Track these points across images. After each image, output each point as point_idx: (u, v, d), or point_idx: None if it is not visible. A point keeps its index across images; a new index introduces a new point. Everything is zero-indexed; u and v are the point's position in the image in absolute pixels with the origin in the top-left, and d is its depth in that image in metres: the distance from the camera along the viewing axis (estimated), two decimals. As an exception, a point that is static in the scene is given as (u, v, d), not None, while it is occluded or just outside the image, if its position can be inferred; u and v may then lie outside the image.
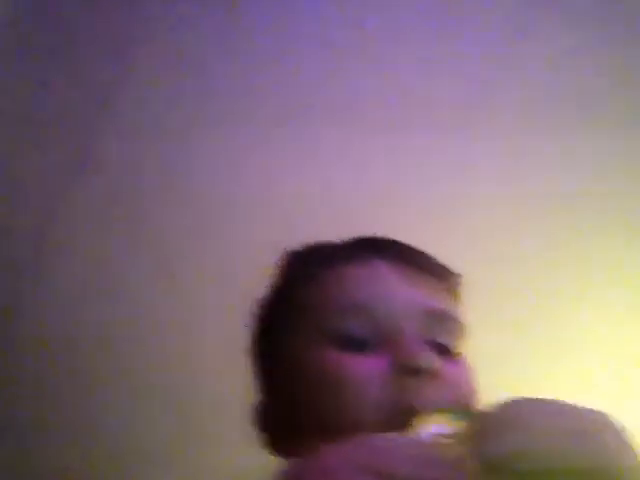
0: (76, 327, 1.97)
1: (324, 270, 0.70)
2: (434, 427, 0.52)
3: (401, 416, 0.56)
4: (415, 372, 0.60)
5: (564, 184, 1.88)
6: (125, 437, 2.05)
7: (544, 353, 1.91)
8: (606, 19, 1.71)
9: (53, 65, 1.77)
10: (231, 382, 2.00)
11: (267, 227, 1.86)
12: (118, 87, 1.81)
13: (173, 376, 2.01)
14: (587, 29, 1.73)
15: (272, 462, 0.77)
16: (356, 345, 0.63)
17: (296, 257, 0.79)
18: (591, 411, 0.50)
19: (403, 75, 1.76)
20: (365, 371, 0.61)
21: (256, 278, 0.83)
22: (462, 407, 0.59)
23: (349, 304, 0.65)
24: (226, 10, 1.75)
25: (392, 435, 0.52)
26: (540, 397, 0.51)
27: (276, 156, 1.85)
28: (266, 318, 0.81)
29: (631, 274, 1.93)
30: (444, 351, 0.65)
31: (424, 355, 0.61)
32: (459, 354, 0.67)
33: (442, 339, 0.65)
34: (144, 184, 1.90)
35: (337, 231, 0.84)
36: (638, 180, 1.85)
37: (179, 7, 1.71)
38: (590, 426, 0.48)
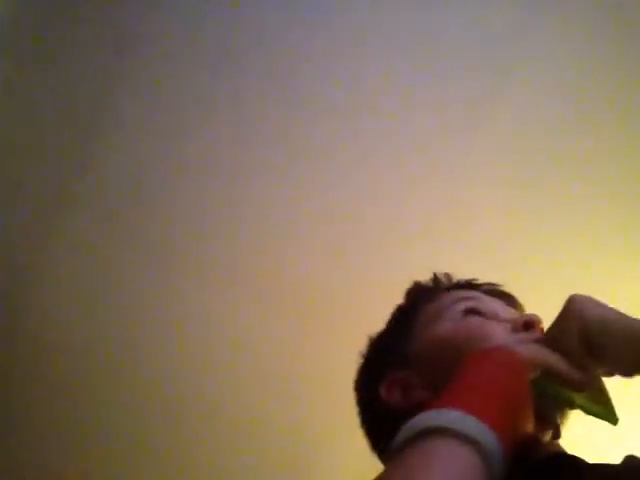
0: (76, 327, 1.97)
1: (452, 290, 1.01)
2: None
3: None
4: (531, 324, 0.92)
5: (565, 184, 1.88)
6: (125, 436, 2.05)
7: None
8: (606, 20, 1.71)
9: (53, 65, 1.77)
10: (232, 381, 2.02)
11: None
12: (118, 86, 1.81)
13: (174, 376, 2.01)
14: (588, 29, 1.74)
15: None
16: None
17: (420, 285, 1.07)
18: None
19: (402, 82, 1.77)
20: (500, 328, 0.92)
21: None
22: None
23: (476, 300, 0.97)
24: (227, 10, 1.76)
25: None
26: None
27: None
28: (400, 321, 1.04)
29: (632, 277, 1.94)
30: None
31: (533, 316, 0.94)
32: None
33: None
34: (145, 183, 1.90)
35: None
36: (638, 182, 1.85)
37: (180, 8, 1.72)
38: None
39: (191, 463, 2.05)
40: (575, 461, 0.84)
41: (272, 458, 2.02)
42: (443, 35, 1.77)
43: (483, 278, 1.06)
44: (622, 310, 0.81)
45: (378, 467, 0.96)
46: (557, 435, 0.88)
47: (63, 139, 1.84)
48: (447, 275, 1.05)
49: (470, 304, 0.94)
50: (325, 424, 1.96)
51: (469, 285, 1.02)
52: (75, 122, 1.82)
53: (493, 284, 1.03)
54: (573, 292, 1.89)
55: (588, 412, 0.82)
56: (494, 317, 0.93)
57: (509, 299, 1.01)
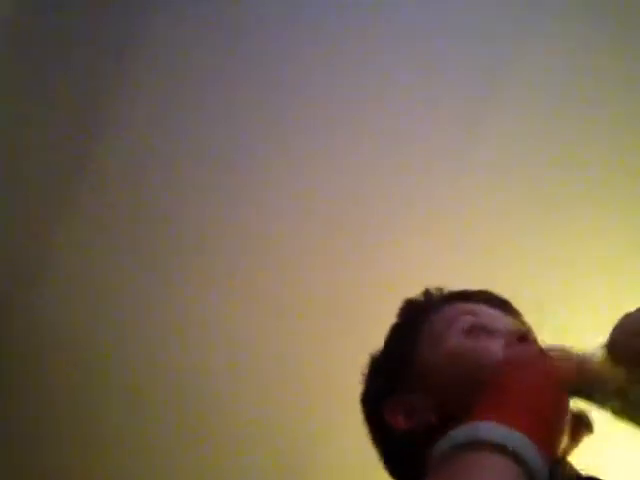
0: (76, 327, 1.98)
1: (447, 304, 0.99)
2: None
3: None
4: (525, 337, 0.94)
5: (564, 185, 1.88)
6: (125, 436, 2.05)
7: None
8: (606, 18, 1.71)
9: (53, 65, 1.77)
10: (232, 379, 2.02)
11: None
12: (118, 87, 1.82)
13: (173, 376, 2.01)
14: (587, 28, 1.74)
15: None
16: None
17: (415, 301, 1.05)
18: None
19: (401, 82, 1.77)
20: (494, 344, 0.91)
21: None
22: None
23: (474, 314, 0.96)
24: (227, 11, 1.76)
25: None
26: None
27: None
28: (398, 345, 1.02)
29: (632, 277, 1.93)
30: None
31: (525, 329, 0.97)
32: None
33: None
34: (145, 183, 1.90)
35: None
36: (638, 181, 1.85)
37: (180, 9, 1.72)
38: None
39: (190, 463, 2.05)
40: None
41: (270, 458, 2.02)
42: (444, 35, 1.78)
43: (482, 278, 1.05)
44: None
45: (376, 468, 0.96)
46: (590, 429, 0.88)
47: (63, 139, 1.84)
48: (440, 289, 1.04)
49: (470, 321, 0.94)
50: (324, 425, 1.96)
51: (463, 296, 1.01)
52: (75, 122, 1.83)
53: (487, 292, 1.02)
54: (573, 290, 1.87)
55: (624, 421, 0.82)
56: (495, 330, 0.93)
57: (505, 306, 1.00)
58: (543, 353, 0.85)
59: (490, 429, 0.70)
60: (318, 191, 1.88)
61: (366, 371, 1.02)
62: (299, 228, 1.90)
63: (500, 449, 0.68)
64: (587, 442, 0.86)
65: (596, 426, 0.86)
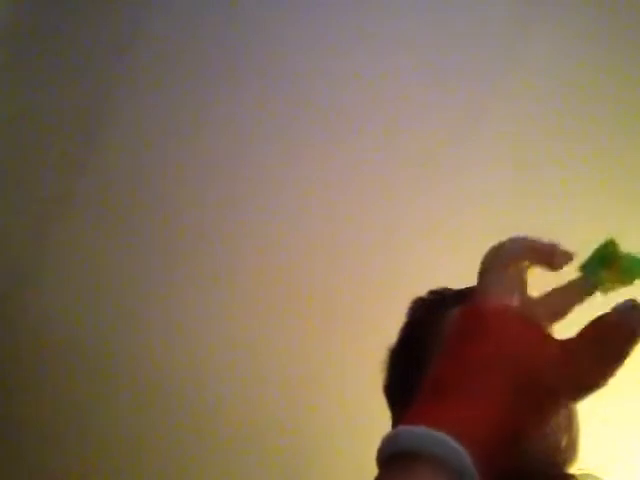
0: (76, 327, 1.98)
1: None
2: None
3: None
4: None
5: (565, 184, 1.89)
6: (125, 436, 2.06)
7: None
8: (605, 18, 1.71)
9: (53, 65, 1.77)
10: (232, 382, 2.02)
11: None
12: (118, 86, 1.82)
13: (174, 377, 2.01)
14: (586, 29, 1.74)
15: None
16: None
17: (424, 302, 1.01)
18: None
19: (402, 82, 1.77)
20: None
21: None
22: None
23: None
24: (226, 10, 1.76)
25: None
26: None
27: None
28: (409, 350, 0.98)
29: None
30: None
31: None
32: None
33: None
34: (144, 183, 1.90)
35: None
36: (638, 181, 1.85)
37: (179, 9, 1.72)
38: None
39: (190, 463, 2.05)
40: None
41: (271, 459, 2.02)
42: (443, 35, 1.78)
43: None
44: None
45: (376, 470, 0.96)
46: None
47: (63, 139, 1.84)
48: (448, 289, 1.01)
49: None
50: (324, 425, 1.96)
51: (464, 295, 0.94)
52: (75, 122, 1.83)
53: None
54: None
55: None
56: None
57: None
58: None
59: (410, 435, 0.53)
60: (319, 190, 1.88)
61: (384, 362, 1.01)
62: (300, 229, 1.91)
63: (424, 460, 0.51)
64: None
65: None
